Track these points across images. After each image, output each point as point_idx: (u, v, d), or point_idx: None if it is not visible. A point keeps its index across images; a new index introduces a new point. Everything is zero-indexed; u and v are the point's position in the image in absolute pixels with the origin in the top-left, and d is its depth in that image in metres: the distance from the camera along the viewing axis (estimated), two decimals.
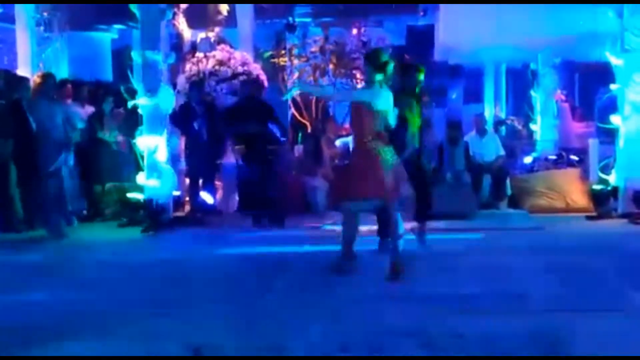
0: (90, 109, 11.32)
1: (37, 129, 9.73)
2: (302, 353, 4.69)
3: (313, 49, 14.41)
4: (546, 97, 14.31)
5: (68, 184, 10.11)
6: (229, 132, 11.20)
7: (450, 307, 5.77)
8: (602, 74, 11.55)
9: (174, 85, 11.77)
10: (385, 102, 6.85)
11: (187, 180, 11.42)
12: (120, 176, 11.27)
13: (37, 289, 6.70)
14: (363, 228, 7.59)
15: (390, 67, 6.93)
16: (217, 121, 11.14)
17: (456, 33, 11.83)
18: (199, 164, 11.18)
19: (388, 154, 6.79)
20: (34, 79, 10.55)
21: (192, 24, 13.23)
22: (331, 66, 14.20)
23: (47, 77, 10.26)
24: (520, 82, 16.55)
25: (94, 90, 11.92)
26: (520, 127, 15.97)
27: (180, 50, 12.83)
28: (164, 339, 5.02)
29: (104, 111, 11.26)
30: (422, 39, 14.65)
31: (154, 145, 10.53)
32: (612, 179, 10.78)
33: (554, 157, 13.61)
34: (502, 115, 16.85)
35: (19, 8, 12.66)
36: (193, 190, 11.29)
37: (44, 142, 9.66)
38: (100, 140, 11.14)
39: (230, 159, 11.66)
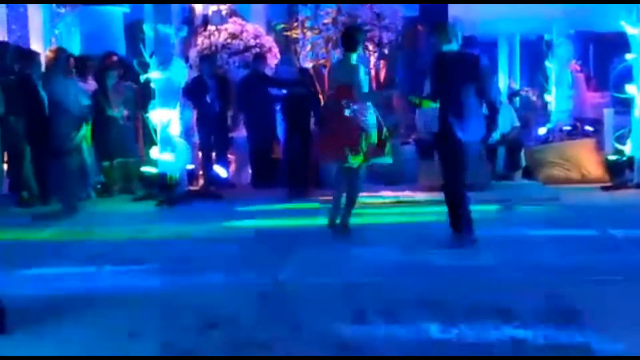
0: (93, 84, 11.20)
1: (52, 105, 9.73)
2: (316, 324, 4.71)
3: (325, 21, 14.30)
4: (561, 68, 14.18)
5: (88, 158, 10.15)
6: (241, 105, 11.21)
7: (465, 279, 5.78)
8: (617, 43, 11.46)
9: (187, 59, 11.75)
10: None
11: (200, 154, 11.44)
12: (128, 152, 11.25)
13: (53, 263, 6.76)
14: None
15: None
16: (229, 94, 11.14)
17: (470, 4, 11.74)
18: (211, 137, 11.20)
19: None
20: (47, 54, 10.54)
21: None
22: None
23: (60, 52, 10.25)
24: (534, 52, 16.43)
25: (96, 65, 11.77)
26: (534, 98, 15.87)
27: (192, 23, 12.80)
28: (183, 312, 5.05)
29: (106, 86, 11.12)
30: (435, 10, 14.50)
31: (167, 119, 10.53)
32: (628, 149, 10.72)
33: (568, 127, 13.53)
34: (517, 87, 16.73)
35: None
36: (206, 164, 11.31)
37: (61, 117, 9.66)
38: (108, 116, 11.01)
39: (242, 132, 11.68)
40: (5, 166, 10.13)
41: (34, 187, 10.07)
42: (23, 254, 7.23)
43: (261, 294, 5.50)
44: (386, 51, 14.54)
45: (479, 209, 8.77)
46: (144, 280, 6.04)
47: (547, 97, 14.79)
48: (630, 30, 10.39)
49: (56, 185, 9.80)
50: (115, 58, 11.53)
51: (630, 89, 10.51)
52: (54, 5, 12.68)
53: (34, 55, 10.28)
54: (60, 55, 10.08)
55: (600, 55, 16.54)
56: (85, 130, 10.13)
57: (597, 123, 12.60)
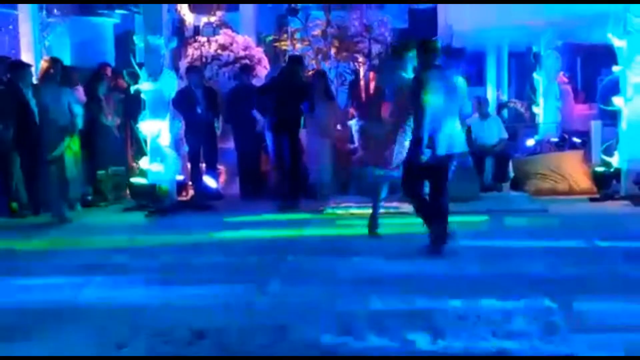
0: (81, 94, 11.19)
1: (42, 115, 9.75)
2: (304, 334, 4.74)
3: (315, 33, 14.37)
4: (548, 80, 14.27)
5: (72, 169, 10.14)
6: (229, 116, 11.26)
7: (452, 288, 5.82)
8: (605, 56, 11.54)
9: (177, 70, 11.79)
10: None
11: (189, 165, 11.46)
12: (121, 160, 11.29)
13: (41, 273, 6.76)
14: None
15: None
16: (217, 105, 11.18)
17: (458, 16, 11.82)
18: (200, 148, 11.24)
19: None
20: (41, 63, 10.57)
21: (194, 8, 13.22)
22: (333, 50, 14.17)
23: (54, 62, 10.28)
24: (522, 64, 16.52)
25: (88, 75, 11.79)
26: (522, 110, 15.95)
27: (182, 34, 12.83)
28: (171, 322, 5.07)
29: (99, 96, 11.17)
30: (425, 21, 14.61)
31: (157, 129, 10.56)
32: (615, 161, 10.79)
33: (556, 139, 13.60)
34: (505, 98, 16.82)
35: None
36: (195, 175, 11.34)
37: (49, 127, 9.69)
38: (103, 125, 11.10)
39: (231, 143, 11.72)
40: None
41: (23, 197, 10.05)
42: (11, 263, 7.24)
43: (249, 304, 5.52)
44: (375, 62, 14.62)
45: (467, 220, 8.86)
46: (133, 291, 6.07)
47: (535, 109, 14.87)
48: (617, 42, 10.47)
49: (40, 194, 9.82)
50: (109, 70, 11.60)
51: (617, 101, 10.59)
52: (44, 15, 12.69)
53: (24, 66, 10.29)
54: (54, 66, 10.11)
55: (588, 67, 16.65)
56: (70, 141, 10.11)
57: (585, 135, 12.67)
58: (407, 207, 9.61)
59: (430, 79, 6.98)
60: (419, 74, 7.21)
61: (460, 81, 7.33)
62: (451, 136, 7.08)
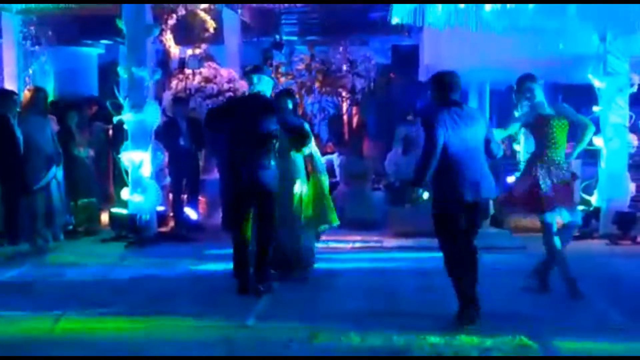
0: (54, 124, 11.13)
1: (27, 144, 9.72)
2: None
3: (299, 67, 14.50)
4: None
5: (57, 199, 10.10)
6: (213, 148, 11.26)
7: (432, 325, 5.84)
8: (585, 95, 11.64)
9: (160, 101, 11.81)
10: None
11: (171, 196, 11.44)
12: (92, 192, 11.22)
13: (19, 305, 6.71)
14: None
15: None
16: (201, 137, 11.20)
17: (439, 55, 11.89)
18: (183, 179, 11.23)
19: None
20: (25, 93, 10.56)
21: (179, 40, 13.28)
22: (317, 84, 14.30)
23: (38, 91, 10.29)
24: (503, 102, 16.62)
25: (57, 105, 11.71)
26: (503, 147, 16.01)
27: (166, 66, 12.88)
28: (151, 354, 5.04)
29: (70, 126, 11.05)
30: (407, 58, 14.74)
31: (138, 160, 10.55)
32: (594, 199, 10.87)
33: None
34: None
35: (6, 22, 12.71)
36: (177, 206, 11.31)
37: (34, 156, 9.67)
38: (73, 156, 10.90)
39: (213, 174, 11.72)
40: None
41: (1, 226, 9.97)
42: None
43: (227, 337, 5.51)
44: (359, 97, 14.74)
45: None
46: (112, 323, 6.03)
47: (516, 147, 14.95)
48: (597, 83, 10.60)
49: (22, 223, 9.75)
50: (95, 108, 11.58)
51: (597, 141, 10.69)
52: (27, 44, 12.72)
53: (10, 95, 10.26)
54: (38, 95, 10.11)
55: (569, 105, 16.75)
56: (57, 170, 10.08)
57: None
58: (389, 241, 9.68)
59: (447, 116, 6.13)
60: (431, 109, 6.42)
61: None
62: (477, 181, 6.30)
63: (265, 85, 7.45)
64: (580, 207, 11.06)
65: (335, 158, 12.61)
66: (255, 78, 7.45)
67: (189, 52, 13.22)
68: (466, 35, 10.14)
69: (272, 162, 7.22)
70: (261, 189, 7.16)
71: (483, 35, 10.14)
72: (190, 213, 11.36)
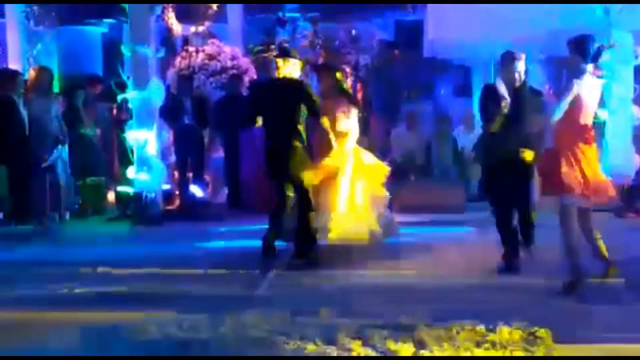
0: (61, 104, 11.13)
1: (33, 124, 9.74)
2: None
3: (303, 44, 14.45)
4: None
5: (63, 178, 10.13)
6: (217, 125, 11.29)
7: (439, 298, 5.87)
8: None
9: (164, 79, 11.81)
10: None
11: (176, 174, 11.47)
12: (100, 170, 11.26)
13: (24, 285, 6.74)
14: None
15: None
16: (206, 114, 11.21)
17: (444, 29, 11.88)
18: (188, 157, 11.25)
19: None
20: (30, 73, 10.56)
21: (182, 18, 13.26)
22: (321, 61, 14.25)
23: (43, 72, 10.29)
24: None
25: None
26: None
27: (170, 44, 12.86)
28: (153, 335, 5.04)
29: (77, 105, 11.09)
30: (411, 34, 14.69)
31: (143, 139, 10.56)
32: None
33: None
34: None
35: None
36: (182, 184, 11.34)
37: (40, 136, 9.69)
38: (80, 134, 10.98)
39: (219, 152, 11.74)
40: None
41: (10, 207, 10.02)
42: None
43: (236, 317, 5.51)
44: (362, 74, 14.70)
45: (454, 230, 8.91)
46: (115, 303, 6.03)
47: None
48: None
49: (29, 203, 9.79)
50: (99, 87, 11.59)
51: (601, 113, 10.64)
52: (31, 24, 12.70)
53: (15, 75, 10.27)
54: (43, 75, 10.12)
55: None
56: (62, 150, 10.11)
57: None
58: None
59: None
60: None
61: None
62: None
63: (291, 68, 7.58)
64: None
65: None
66: (280, 62, 7.60)
67: (192, 29, 13.20)
68: (470, 9, 10.13)
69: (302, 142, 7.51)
70: (293, 170, 7.43)
71: (488, 10, 10.12)
72: (196, 191, 11.39)
